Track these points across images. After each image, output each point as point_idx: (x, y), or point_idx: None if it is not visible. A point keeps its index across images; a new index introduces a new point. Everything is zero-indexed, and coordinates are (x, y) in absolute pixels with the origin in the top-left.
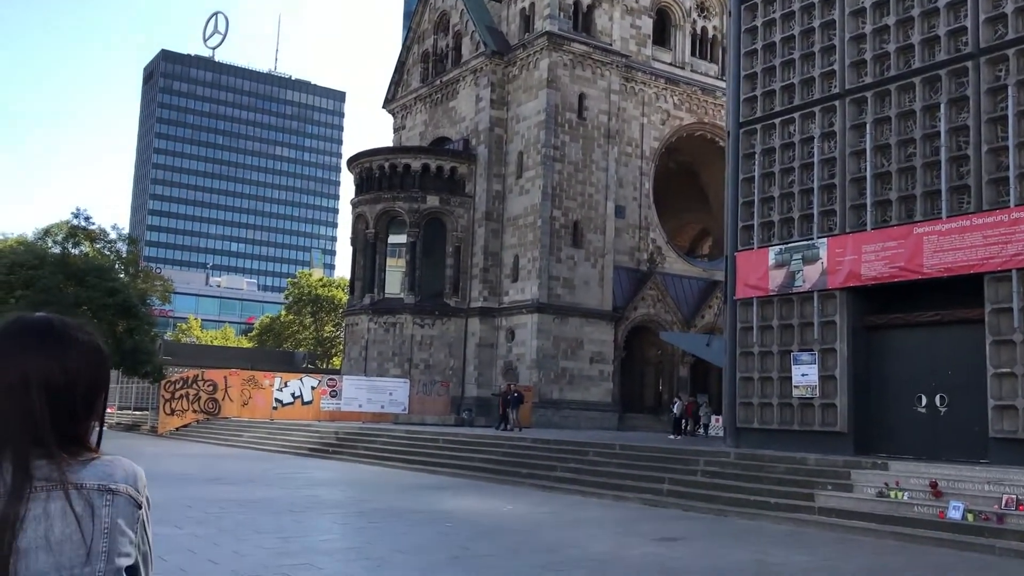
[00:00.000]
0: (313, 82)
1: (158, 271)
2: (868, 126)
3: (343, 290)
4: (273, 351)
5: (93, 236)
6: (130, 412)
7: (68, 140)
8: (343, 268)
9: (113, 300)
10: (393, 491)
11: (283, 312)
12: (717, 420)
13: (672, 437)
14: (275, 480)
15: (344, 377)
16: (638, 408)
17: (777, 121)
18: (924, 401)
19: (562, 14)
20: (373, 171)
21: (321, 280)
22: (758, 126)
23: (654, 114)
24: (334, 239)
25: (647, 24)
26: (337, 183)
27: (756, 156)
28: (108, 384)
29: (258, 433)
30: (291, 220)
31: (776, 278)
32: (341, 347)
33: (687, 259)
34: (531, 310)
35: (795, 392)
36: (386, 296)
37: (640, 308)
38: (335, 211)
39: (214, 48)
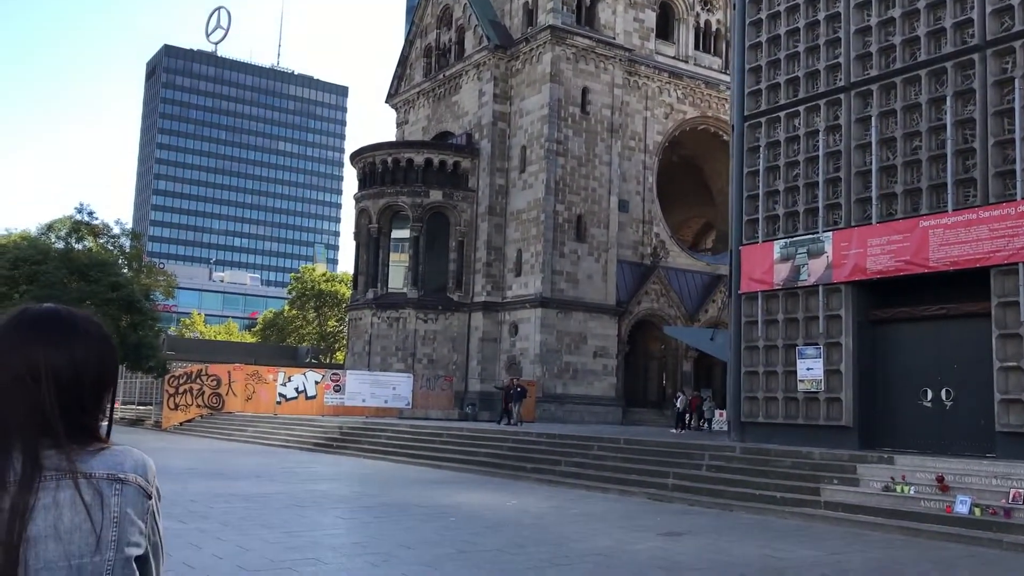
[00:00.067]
0: (316, 77)
1: (161, 266)
2: (873, 119)
3: (346, 285)
4: (276, 346)
5: (97, 231)
6: (134, 407)
7: (71, 135)
8: (346, 263)
9: (117, 295)
10: (397, 486)
11: (286, 307)
12: (721, 414)
13: (674, 431)
14: (279, 475)
15: (348, 372)
16: (642, 403)
17: (782, 114)
18: (930, 395)
19: (565, 8)
20: (376, 166)
21: (324, 275)
22: (763, 119)
23: (657, 108)
24: (337, 234)
25: (650, 18)
26: (340, 178)
27: (761, 150)
28: (116, 375)
29: (262, 428)
30: (294, 215)
31: (781, 272)
32: (344, 342)
33: (691, 253)
34: (534, 305)
35: (800, 386)
36: (389, 291)
37: (644, 302)
38: (338, 206)
39: (217, 43)
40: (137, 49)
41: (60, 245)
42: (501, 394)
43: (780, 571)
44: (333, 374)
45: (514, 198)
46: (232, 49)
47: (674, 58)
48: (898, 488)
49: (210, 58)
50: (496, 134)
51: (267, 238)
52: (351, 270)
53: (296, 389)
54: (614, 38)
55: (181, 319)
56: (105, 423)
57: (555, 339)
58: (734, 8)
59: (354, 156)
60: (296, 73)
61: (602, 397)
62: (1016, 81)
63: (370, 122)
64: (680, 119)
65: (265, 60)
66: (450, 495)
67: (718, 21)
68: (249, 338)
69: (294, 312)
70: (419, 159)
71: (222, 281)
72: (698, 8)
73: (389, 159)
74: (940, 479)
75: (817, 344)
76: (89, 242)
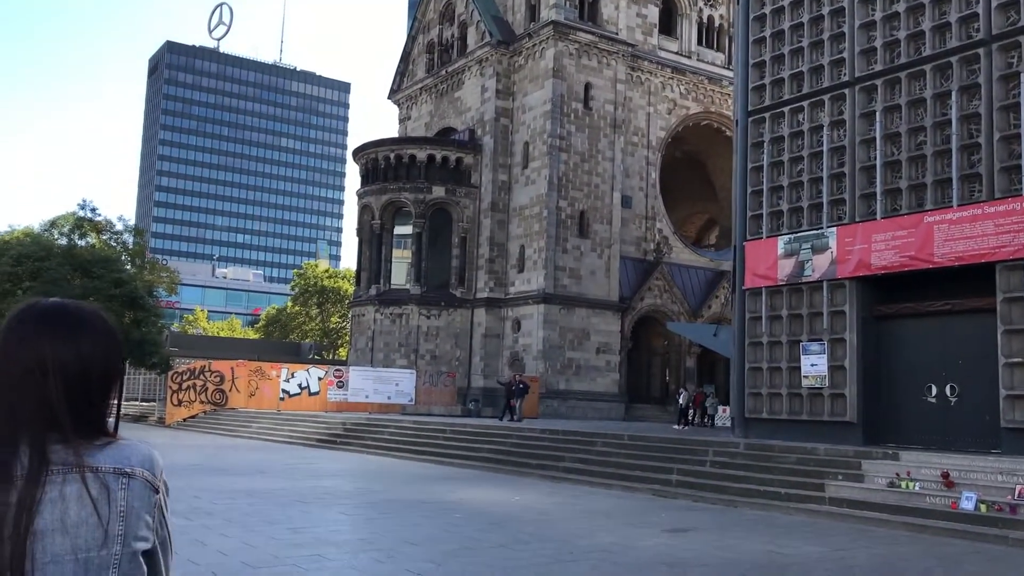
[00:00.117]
0: (318, 73)
1: (164, 262)
2: (878, 114)
3: (349, 281)
4: (279, 342)
5: (99, 227)
6: (137, 403)
7: (74, 132)
8: (349, 259)
9: (120, 291)
10: (401, 482)
11: (289, 303)
12: (724, 410)
13: (676, 427)
14: (283, 471)
15: (351, 368)
16: (645, 398)
17: (786, 109)
18: (934, 391)
19: (568, 3)
20: (379, 162)
21: (327, 271)
22: (767, 115)
23: (660, 103)
24: (340, 230)
25: (653, 13)
26: (343, 174)
27: (765, 145)
28: (123, 369)
29: (265, 424)
30: (297, 211)
31: (785, 267)
32: (347, 338)
33: (694, 249)
34: (537, 301)
35: (804, 382)
36: (392, 287)
37: (647, 298)
38: (340, 202)
39: (219, 39)
40: (139, 45)
41: (63, 242)
42: (503, 390)
43: (785, 567)
44: (336, 370)
45: (517, 194)
46: (234, 45)
47: (677, 53)
48: (903, 484)
49: (212, 54)
50: (499, 130)
51: (270, 234)
52: (354, 266)
53: (299, 385)
54: (617, 33)
55: (184, 315)
56: (112, 417)
57: (558, 335)
58: (737, 3)
59: (357, 152)
60: (298, 69)
61: (605, 393)
62: (1022, 75)
63: (373, 118)
64: (683, 115)
65: (267, 56)
66: (454, 491)
67: (721, 16)
68: (252, 334)
69: (297, 308)
70: (422, 155)
71: (225, 277)
72: (701, 3)
73: (392, 155)
74: (945, 475)
75: (821, 340)
76: (92, 238)
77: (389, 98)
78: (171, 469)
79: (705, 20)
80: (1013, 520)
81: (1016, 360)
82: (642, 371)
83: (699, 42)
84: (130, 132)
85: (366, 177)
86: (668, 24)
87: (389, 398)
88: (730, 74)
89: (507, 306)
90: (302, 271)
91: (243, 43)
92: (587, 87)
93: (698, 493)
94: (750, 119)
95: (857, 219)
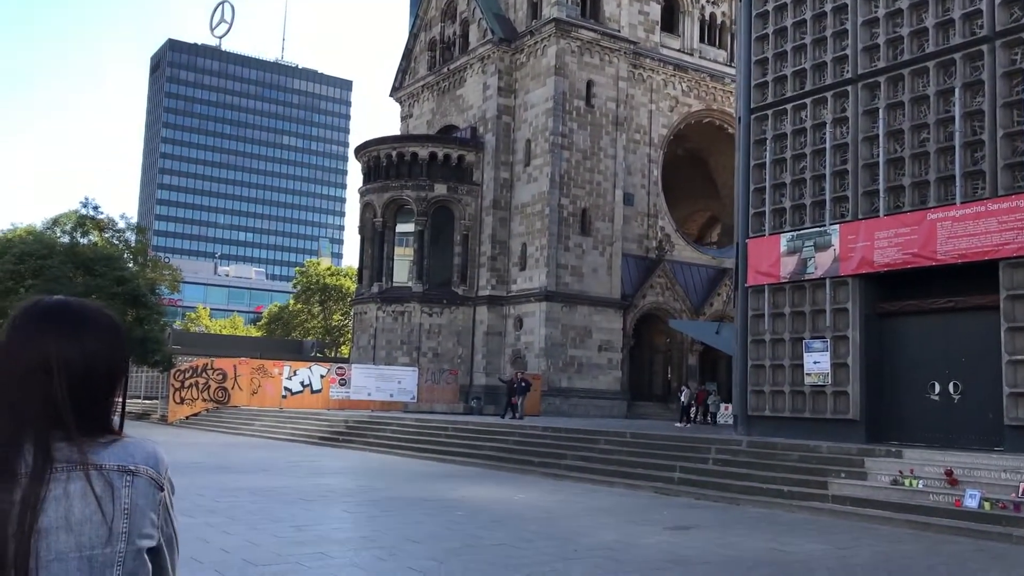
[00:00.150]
0: (320, 71)
1: (167, 260)
2: (881, 111)
3: (351, 279)
4: (282, 340)
5: (102, 225)
6: (139, 401)
7: (76, 129)
8: (351, 257)
9: (122, 289)
10: (404, 479)
11: (291, 301)
12: (726, 408)
13: (679, 425)
14: (286, 468)
15: (353, 365)
16: (647, 396)
17: (789, 107)
18: (937, 388)
19: (570, 0)
20: (381, 160)
21: (329, 269)
22: (769, 112)
23: (662, 101)
24: (342, 228)
25: (655, 10)
26: (344, 172)
27: (767, 142)
28: (127, 365)
29: (268, 422)
30: (299, 209)
31: (788, 265)
32: (349, 336)
33: (696, 247)
34: (539, 298)
35: (807, 380)
36: (394, 285)
37: (649, 296)
38: (342, 200)
39: (221, 37)
40: (141, 43)
41: (65, 239)
42: (505, 388)
43: (788, 565)
44: (338, 368)
45: (519, 192)
46: (236, 43)
47: (679, 51)
48: (906, 482)
49: (214, 52)
50: (501, 128)
51: (272, 232)
52: (356, 264)
53: (301, 383)
54: (619, 31)
55: (186, 313)
56: (117, 415)
57: (560, 333)
58: (740, 0)
59: (359, 150)
60: (300, 67)
61: (607, 391)
62: None
63: (374, 116)
64: (685, 112)
65: (269, 54)
66: (456, 489)
67: (723, 14)
68: (254, 332)
69: (299, 306)
70: (423, 153)
71: (227, 275)
72: (703, 1)
73: (394, 153)
74: (949, 473)
75: (824, 337)
76: (94, 236)
77: (391, 96)
78: (174, 467)
79: (707, 17)
80: (1017, 518)
81: (1020, 357)
82: (644, 369)
83: (701, 39)
84: (132, 130)
85: (368, 175)
86: (670, 21)
87: (391, 396)
88: (732, 71)
89: (509, 304)
90: (304, 269)
91: (245, 41)
92: (589, 84)
93: (700, 491)
94: (753, 116)
95: (860, 216)
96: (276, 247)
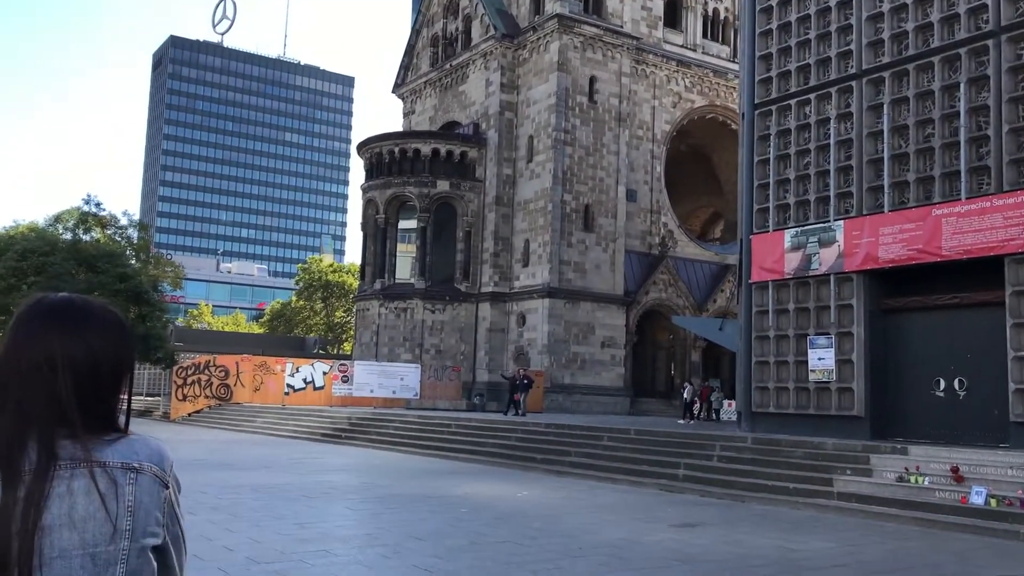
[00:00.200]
0: (322, 67)
1: (169, 257)
2: (885, 107)
3: (353, 276)
4: (284, 337)
5: (104, 222)
6: (142, 398)
7: (78, 126)
8: (353, 254)
9: (125, 286)
10: (407, 476)
11: (294, 298)
12: (729, 404)
13: (681, 422)
14: (289, 465)
15: (355, 362)
16: (650, 393)
17: (793, 102)
18: (943, 385)
19: None
20: (383, 156)
21: (331, 266)
22: (773, 107)
23: (665, 97)
24: (344, 224)
25: (658, 6)
26: (347, 168)
27: (771, 138)
28: (133, 363)
29: (270, 418)
30: (301, 206)
31: (792, 261)
32: (352, 332)
33: (699, 243)
34: (542, 295)
35: (811, 376)
36: (396, 281)
37: (652, 292)
38: (344, 197)
39: (223, 34)
40: (143, 40)
41: (68, 236)
42: (507, 384)
43: (795, 562)
44: (341, 365)
45: (521, 188)
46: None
47: (682, 46)
48: (912, 479)
49: (216, 49)
50: (503, 124)
51: (274, 229)
52: (358, 261)
53: (304, 380)
54: (622, 26)
55: (189, 310)
56: (123, 413)
57: (563, 329)
58: None
59: (361, 146)
60: (302, 64)
61: (610, 387)
62: None
63: (377, 112)
64: (688, 108)
65: (271, 51)
66: (460, 486)
67: (726, 9)
68: (257, 329)
69: (301, 303)
70: (426, 149)
71: (229, 272)
72: None
73: (396, 149)
74: (955, 470)
75: (828, 334)
76: (97, 233)
77: (393, 92)
78: (176, 464)
79: (710, 13)
80: (1023, 515)
81: None
82: (647, 365)
83: (704, 35)
84: (134, 127)
85: (370, 171)
86: (673, 17)
87: (394, 392)
88: (735, 67)
89: (512, 300)
90: (306, 265)
91: (247, 37)
92: (592, 80)
93: (705, 488)
94: (756, 112)
95: (864, 212)
96: (278, 244)
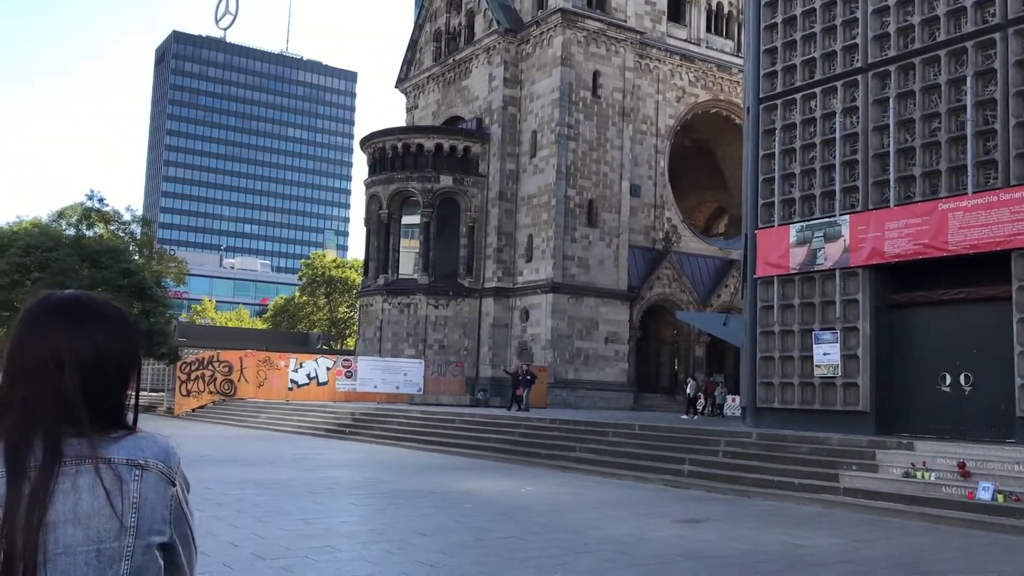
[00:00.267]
0: (325, 62)
1: (172, 253)
2: (891, 100)
3: (357, 271)
4: (287, 332)
5: (107, 218)
6: (146, 393)
7: (81, 122)
8: (356, 249)
9: (128, 282)
10: (411, 472)
11: (297, 293)
12: (733, 400)
13: (684, 417)
14: (293, 461)
15: (359, 358)
16: (653, 388)
17: (798, 96)
18: (948, 380)
19: None
20: (386, 151)
21: (335, 261)
22: (778, 102)
23: (669, 91)
24: (347, 220)
25: (662, 0)
26: (350, 164)
27: (776, 132)
28: (139, 359)
29: (274, 414)
30: (304, 201)
31: (797, 256)
32: (355, 328)
33: (703, 238)
34: (546, 290)
35: (816, 371)
36: (400, 277)
37: (656, 288)
38: (347, 192)
39: (225, 29)
40: (146, 35)
41: (71, 232)
42: (510, 380)
43: (802, 559)
44: (344, 360)
45: (525, 183)
46: (241, 35)
47: (686, 41)
48: (918, 474)
49: (219, 44)
50: (506, 119)
51: (277, 224)
52: (361, 256)
53: (308, 375)
54: (625, 21)
55: (192, 306)
56: (131, 410)
57: (566, 325)
58: None
59: (364, 142)
60: (305, 59)
61: (613, 383)
62: None
63: (379, 108)
64: (692, 102)
65: (274, 46)
66: (464, 481)
67: (730, 3)
68: (260, 324)
69: (305, 298)
70: (429, 144)
71: (232, 268)
72: None
73: (399, 144)
74: (961, 465)
75: (834, 329)
76: (100, 229)
77: (396, 87)
78: (182, 460)
79: (714, 7)
80: None
81: None
82: (651, 361)
83: (708, 29)
84: (137, 122)
85: (373, 167)
86: (677, 11)
87: (397, 388)
88: (739, 61)
89: (515, 296)
90: (310, 261)
91: (249, 33)
92: (595, 75)
93: (710, 483)
94: (761, 106)
95: (870, 207)
96: (281, 239)
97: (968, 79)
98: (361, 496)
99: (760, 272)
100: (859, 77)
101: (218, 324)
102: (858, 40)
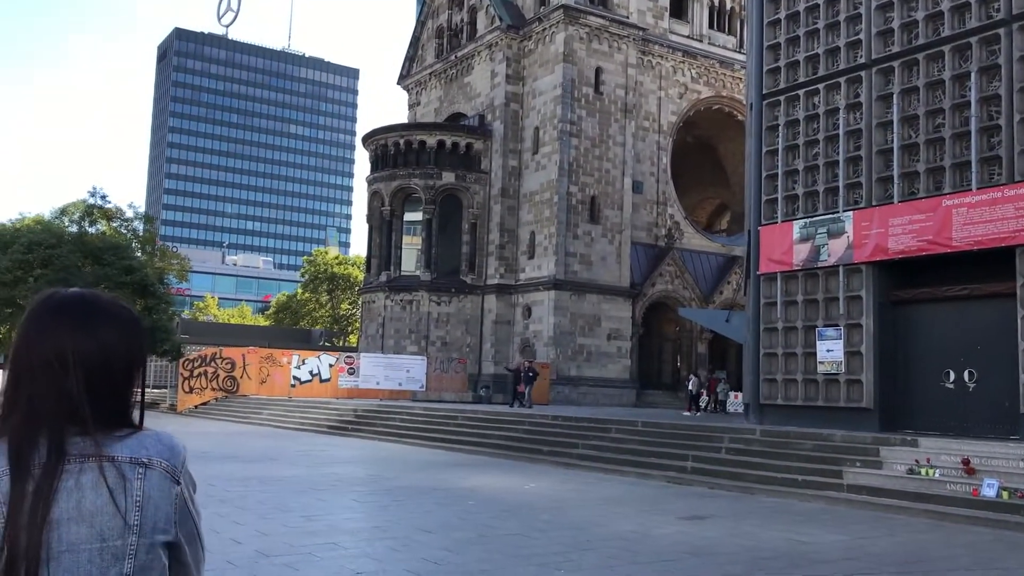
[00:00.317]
0: (327, 59)
1: (175, 249)
2: (895, 96)
3: (359, 268)
4: (290, 329)
5: (110, 215)
6: (149, 390)
7: (84, 119)
8: (358, 246)
9: (130, 278)
10: (414, 469)
11: (299, 290)
12: (735, 396)
13: (686, 414)
14: (295, 458)
15: (362, 355)
16: (656, 385)
17: (801, 92)
18: (952, 377)
19: None
20: (388, 148)
21: (337, 258)
22: (782, 97)
23: (671, 88)
24: (349, 217)
25: None
26: (352, 161)
27: (779, 128)
28: (145, 357)
29: (277, 411)
30: (306, 198)
31: (800, 252)
32: (358, 325)
33: (705, 235)
34: (548, 287)
35: (820, 368)
36: (402, 273)
37: (658, 284)
38: (349, 189)
39: (227, 26)
40: (148, 33)
41: (74, 229)
42: (511, 376)
43: (807, 555)
44: (347, 357)
45: (527, 180)
46: (243, 32)
47: (688, 37)
48: (923, 471)
49: (221, 41)
50: (509, 115)
51: (279, 221)
52: (363, 253)
53: (310, 372)
54: (627, 17)
55: (195, 303)
56: (136, 408)
57: (569, 321)
58: None
59: (366, 138)
60: (307, 56)
61: (616, 379)
62: None
63: (382, 104)
64: (694, 99)
65: (276, 43)
66: (467, 478)
67: None
68: (262, 321)
69: (307, 295)
70: (431, 141)
71: (235, 264)
72: None
73: (401, 141)
74: (966, 462)
75: (837, 325)
76: (102, 226)
77: (398, 84)
78: None
79: (716, 3)
80: None
81: None
82: (653, 357)
83: (710, 26)
84: (140, 119)
85: (375, 163)
86: (679, 7)
87: (400, 385)
88: (742, 58)
89: (518, 292)
90: (312, 258)
91: (251, 30)
92: (598, 71)
93: (714, 480)
94: (764, 102)
95: (874, 203)
96: (284, 236)
97: (972, 75)
98: (364, 493)
99: (763, 269)
100: (863, 73)
101: (220, 321)
102: (862, 36)
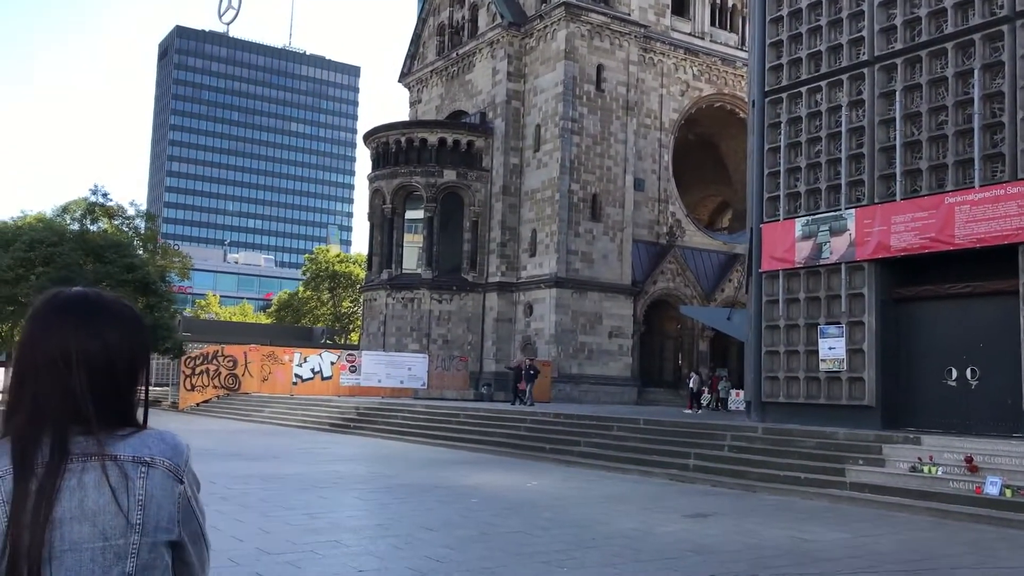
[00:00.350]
0: (328, 57)
1: (176, 247)
2: (898, 94)
3: (360, 266)
4: (291, 327)
5: (111, 212)
6: (151, 388)
7: (85, 117)
8: (359, 244)
9: (132, 276)
10: (416, 466)
11: (301, 288)
12: (737, 394)
13: (688, 412)
14: (297, 455)
15: (363, 352)
16: (657, 383)
17: (803, 90)
18: (955, 374)
19: None
20: (389, 146)
21: (338, 256)
22: (784, 95)
23: (673, 85)
24: (350, 215)
25: None
26: (353, 159)
27: (781, 126)
28: (148, 357)
29: (278, 408)
30: (307, 196)
31: (803, 250)
32: (359, 323)
33: (707, 232)
34: (549, 285)
35: (822, 366)
36: (404, 271)
37: (659, 282)
38: (351, 187)
39: (228, 24)
40: (149, 30)
41: (75, 227)
42: (512, 374)
43: (810, 553)
44: (349, 355)
45: (528, 177)
46: (244, 30)
47: (690, 34)
48: (925, 469)
49: (222, 39)
50: (510, 113)
51: (281, 219)
52: (365, 251)
53: (312, 370)
54: (629, 14)
55: (196, 300)
56: (140, 407)
57: (570, 319)
58: None
59: (367, 136)
60: (308, 53)
61: (617, 377)
62: None
63: (383, 102)
64: (696, 96)
65: (277, 41)
66: (469, 476)
67: None
68: (264, 319)
69: (308, 293)
70: (433, 139)
71: (236, 262)
72: None
73: (402, 139)
74: (969, 460)
75: (839, 323)
76: (104, 223)
77: (399, 81)
78: None
79: (718, 0)
80: None
81: None
82: (655, 355)
83: (712, 23)
84: (141, 117)
85: (377, 161)
86: (681, 5)
87: (401, 382)
88: (744, 55)
89: (519, 290)
90: (313, 256)
91: (252, 27)
92: (599, 69)
93: (716, 478)
94: (767, 100)
95: (876, 200)
96: (285, 234)
97: (975, 72)
98: (366, 491)
99: (765, 266)
100: (865, 70)
101: (222, 319)
102: (864, 33)
